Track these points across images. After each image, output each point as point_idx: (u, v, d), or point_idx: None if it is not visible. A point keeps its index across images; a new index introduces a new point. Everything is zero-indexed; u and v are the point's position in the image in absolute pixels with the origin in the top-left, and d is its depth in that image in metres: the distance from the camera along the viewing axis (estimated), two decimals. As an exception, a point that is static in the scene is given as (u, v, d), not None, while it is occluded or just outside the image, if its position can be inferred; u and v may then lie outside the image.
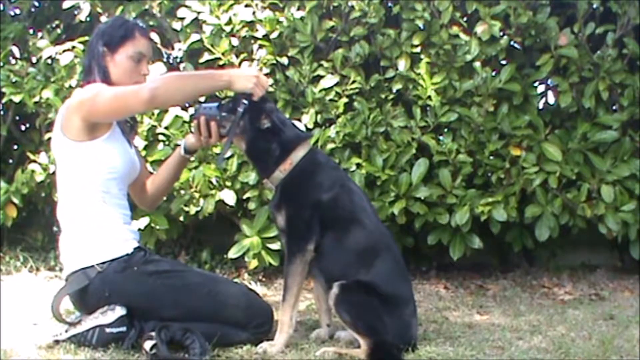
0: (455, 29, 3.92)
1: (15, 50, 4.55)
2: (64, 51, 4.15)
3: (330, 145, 3.87)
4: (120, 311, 2.68)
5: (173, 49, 4.27)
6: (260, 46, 4.03)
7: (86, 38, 3.49)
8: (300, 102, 4.00)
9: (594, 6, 3.99)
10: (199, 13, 4.04)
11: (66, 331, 2.72)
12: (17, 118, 4.92)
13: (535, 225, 3.95)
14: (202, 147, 3.10)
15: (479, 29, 3.87)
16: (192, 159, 3.40)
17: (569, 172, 3.88)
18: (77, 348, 2.65)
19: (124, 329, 2.67)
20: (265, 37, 4.02)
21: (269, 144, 2.74)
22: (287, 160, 2.73)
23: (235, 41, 4.02)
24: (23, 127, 5.04)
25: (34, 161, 4.31)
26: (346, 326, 2.63)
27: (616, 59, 3.90)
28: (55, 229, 4.45)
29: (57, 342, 2.71)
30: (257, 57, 4.01)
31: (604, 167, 3.90)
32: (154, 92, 2.60)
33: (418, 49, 3.95)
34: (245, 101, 2.69)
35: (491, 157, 3.96)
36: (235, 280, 4.03)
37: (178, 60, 4.39)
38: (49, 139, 3.04)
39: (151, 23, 4.21)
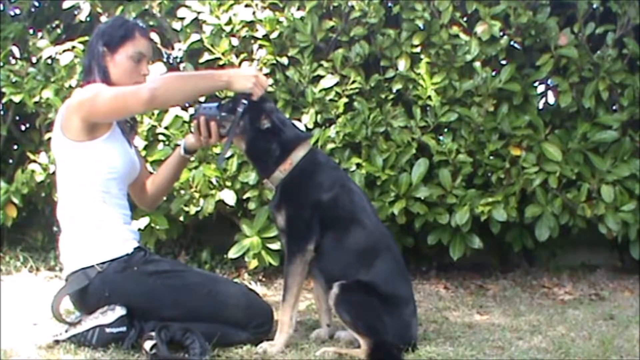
0: (455, 29, 3.92)
1: (15, 50, 4.55)
2: (64, 51, 4.15)
3: (330, 145, 3.87)
4: (120, 311, 2.68)
5: (173, 49, 4.27)
6: (260, 46, 4.03)
7: (86, 38, 3.49)
8: (300, 102, 4.00)
9: (594, 6, 3.99)
10: (199, 13, 4.04)
11: (66, 331, 2.72)
12: (17, 118, 4.92)
13: (535, 225, 3.95)
14: (202, 147, 3.10)
15: (479, 29, 3.87)
16: (192, 159, 3.40)
17: (569, 172, 3.88)
18: (77, 348, 2.65)
19: (124, 329, 2.67)
20: (265, 37, 4.02)
21: (269, 144, 2.74)
22: (287, 161, 2.73)
23: (235, 41, 4.02)
24: (23, 127, 5.04)
25: (34, 161, 4.31)
26: (346, 326, 2.63)
27: (616, 59, 3.90)
28: (55, 229, 4.45)
29: (57, 342, 2.71)
30: (257, 57, 4.01)
31: (604, 167, 3.90)
32: (153, 92, 2.60)
33: (418, 49, 3.95)
34: (244, 101, 2.69)
35: (491, 157, 3.96)
36: (235, 280, 4.03)
37: (178, 60, 4.39)
38: (49, 139, 3.04)
39: (151, 23, 4.21)
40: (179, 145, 3.04)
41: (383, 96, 3.99)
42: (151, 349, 2.54)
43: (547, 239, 3.97)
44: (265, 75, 3.75)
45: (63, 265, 2.86)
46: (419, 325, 2.85)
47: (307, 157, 2.76)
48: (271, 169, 2.75)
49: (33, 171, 4.30)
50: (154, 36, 4.01)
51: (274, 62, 3.99)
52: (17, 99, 4.26)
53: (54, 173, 3.62)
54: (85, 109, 2.71)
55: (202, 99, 3.38)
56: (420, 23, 3.94)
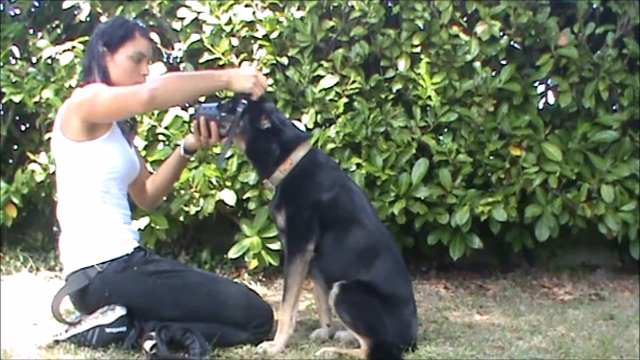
0: (455, 29, 3.92)
1: (15, 50, 4.55)
2: (64, 51, 4.15)
3: (330, 145, 3.87)
4: (120, 311, 2.68)
5: (173, 49, 4.27)
6: (260, 46, 4.03)
7: (86, 38, 3.49)
8: (300, 102, 4.00)
9: (594, 6, 3.99)
10: (199, 13, 4.04)
11: (66, 331, 2.72)
12: (17, 118, 4.92)
13: (535, 225, 3.95)
14: (202, 147, 3.10)
15: (479, 29, 3.87)
16: (192, 159, 3.39)
17: (569, 172, 3.88)
18: (77, 348, 2.65)
19: (124, 329, 2.67)
20: (265, 37, 4.02)
21: (269, 144, 2.74)
22: (287, 161, 2.73)
23: (235, 41, 4.02)
24: (23, 127, 5.04)
25: (34, 161, 4.31)
26: (346, 326, 2.63)
27: (616, 59, 3.90)
28: (55, 229, 4.45)
29: (57, 342, 2.71)
30: (257, 57, 4.01)
31: (604, 167, 3.90)
32: (153, 92, 2.60)
33: (418, 49, 3.95)
34: (244, 101, 2.69)
35: (491, 157, 3.96)
36: (235, 280, 4.03)
37: (178, 60, 4.39)
38: (49, 139, 3.04)
39: (151, 23, 4.21)
40: (179, 145, 3.04)
41: (383, 96, 3.99)
42: (151, 349, 2.54)
43: (547, 239, 3.96)
44: (265, 75, 3.76)
45: (63, 265, 2.86)
46: (419, 325, 2.85)
47: (307, 157, 2.76)
48: (271, 169, 2.75)
49: (33, 171, 4.30)
50: (154, 36, 4.01)
51: (274, 62, 3.99)
52: (17, 99, 4.26)
53: (54, 173, 3.62)
54: (85, 109, 2.71)
55: (202, 99, 3.38)
56: (420, 23, 3.94)
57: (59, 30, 4.69)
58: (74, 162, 2.77)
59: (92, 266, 2.73)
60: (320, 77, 3.96)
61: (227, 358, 2.60)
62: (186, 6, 4.09)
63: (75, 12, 4.47)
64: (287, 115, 3.80)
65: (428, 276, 4.27)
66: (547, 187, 3.90)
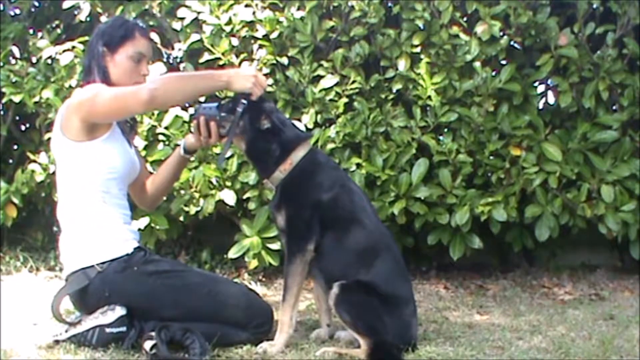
0: (455, 29, 3.92)
1: (15, 50, 4.55)
2: (64, 51, 4.15)
3: (330, 145, 3.87)
4: (120, 311, 2.68)
5: (173, 49, 4.27)
6: (260, 46, 4.03)
7: (86, 38, 3.49)
8: (300, 102, 4.00)
9: (594, 6, 3.99)
10: (199, 13, 4.04)
11: (66, 331, 2.72)
12: (17, 118, 4.92)
13: (535, 225, 3.95)
14: (202, 147, 3.10)
15: (479, 29, 3.87)
16: (192, 159, 3.40)
17: (569, 172, 3.88)
18: (77, 348, 2.65)
19: (124, 329, 2.67)
20: (265, 37, 4.02)
21: (269, 144, 2.74)
22: (287, 161, 2.73)
23: (235, 41, 4.02)
24: (23, 127, 5.04)
25: (34, 161, 4.31)
26: (346, 326, 2.63)
27: (616, 59, 3.90)
28: (55, 229, 4.45)
29: (57, 342, 2.71)
30: (257, 57, 4.01)
31: (604, 167, 3.90)
32: (153, 92, 2.60)
33: (418, 49, 3.95)
34: (244, 101, 2.69)
35: (491, 157, 3.96)
36: (235, 280, 4.03)
37: (178, 60, 4.39)
38: (49, 139, 3.04)
39: (151, 23, 4.21)
40: (179, 145, 3.04)
41: (383, 96, 3.99)
42: (151, 349, 2.54)
43: (547, 239, 3.96)
44: (265, 75, 3.76)
45: (63, 265, 2.86)
46: (419, 325, 2.85)
47: (307, 157, 2.76)
48: (271, 169, 2.75)
49: (33, 171, 4.30)
50: (154, 36, 4.01)
51: (274, 62, 3.99)
52: (17, 99, 4.26)
53: (54, 173, 3.62)
54: (84, 109, 2.71)
55: (202, 99, 3.38)
56: (420, 23, 3.94)
57: (59, 30, 4.69)
58: (74, 162, 2.77)
59: (92, 266, 2.73)
60: (320, 77, 3.96)
61: (227, 358, 2.60)
62: (186, 6, 4.09)
63: (75, 12, 4.47)
64: (287, 115, 3.80)
65: (428, 276, 4.27)
66: (547, 187, 3.90)
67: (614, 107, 4.08)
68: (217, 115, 2.74)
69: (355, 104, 3.92)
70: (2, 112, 4.77)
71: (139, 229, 3.54)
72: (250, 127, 2.72)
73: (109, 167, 2.79)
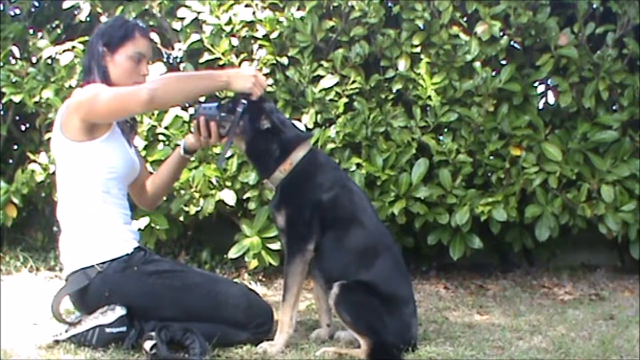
0: (455, 29, 3.92)
1: (15, 50, 4.55)
2: (64, 51, 4.15)
3: (330, 145, 3.87)
4: (120, 311, 2.68)
5: (173, 49, 4.27)
6: (260, 46, 4.03)
7: (86, 38, 3.48)
8: (300, 102, 4.00)
9: (594, 6, 3.99)
10: (199, 13, 4.04)
11: (66, 331, 2.72)
12: (17, 118, 4.92)
13: (535, 225, 3.95)
14: (202, 147, 3.10)
15: (479, 29, 3.87)
16: (192, 159, 3.40)
17: (569, 172, 3.88)
18: (77, 348, 2.65)
19: (124, 329, 2.67)
20: (265, 37, 4.02)
21: (269, 144, 2.73)
22: (287, 161, 2.73)
23: (235, 41, 4.02)
24: (23, 127, 5.04)
25: (34, 161, 4.31)
26: (346, 326, 2.63)
27: (616, 59, 3.90)
28: (55, 229, 4.45)
29: (57, 342, 2.71)
30: (257, 57, 4.01)
31: (604, 167, 3.90)
32: (153, 93, 2.60)
33: (418, 49, 3.95)
34: (244, 101, 2.69)
35: (491, 157, 3.96)
36: (235, 280, 4.03)
37: (178, 60, 4.39)
38: (49, 139, 3.04)
39: (151, 23, 4.21)
40: (179, 145, 3.04)
41: (383, 96, 3.99)
42: (151, 349, 2.54)
43: (547, 239, 3.96)
44: (265, 75, 3.76)
45: (63, 265, 2.86)
46: (419, 325, 2.85)
47: (307, 158, 2.76)
48: (271, 169, 2.75)
49: (33, 171, 4.30)
50: (154, 36, 4.01)
51: (274, 62, 3.99)
52: (17, 99, 4.26)
53: (54, 173, 3.62)
54: (84, 109, 2.71)
55: (202, 99, 3.38)
56: (420, 23, 3.94)
57: (59, 30, 4.69)
58: (73, 162, 2.77)
59: (92, 266, 2.73)
60: (320, 77, 3.96)
61: (227, 358, 2.60)
62: (186, 6, 4.09)
63: (75, 12, 4.47)
64: (287, 115, 3.81)
65: (428, 276, 4.27)
66: (547, 187, 3.90)
67: (614, 107, 4.08)
68: (217, 116, 2.74)
69: (355, 104, 3.92)
70: (2, 112, 4.77)
71: (139, 229, 3.54)
72: (250, 127, 2.72)
73: (108, 167, 2.79)
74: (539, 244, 4.12)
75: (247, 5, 4.03)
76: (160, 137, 4.01)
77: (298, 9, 4.02)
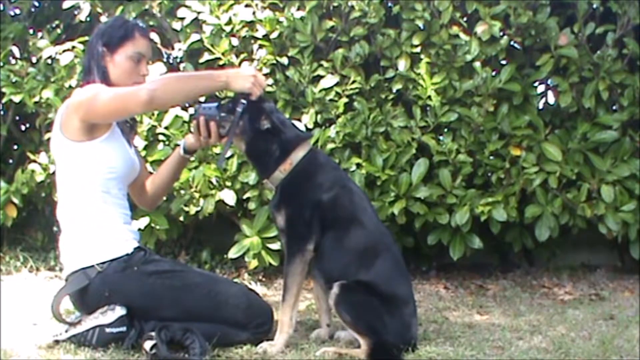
0: (455, 29, 3.92)
1: (15, 50, 4.55)
2: (64, 51, 4.15)
3: (330, 145, 3.87)
4: (120, 311, 2.68)
5: (173, 49, 4.27)
6: (260, 46, 4.03)
7: (86, 38, 3.48)
8: (300, 102, 4.00)
9: (594, 6, 3.99)
10: (199, 13, 4.04)
11: (66, 331, 2.72)
12: (17, 118, 4.92)
13: (535, 225, 3.95)
14: (202, 148, 3.10)
15: (479, 29, 3.87)
16: (192, 159, 3.40)
17: (569, 172, 3.88)
18: (77, 348, 2.65)
19: (124, 329, 2.67)
20: (265, 37, 4.02)
21: (269, 144, 2.73)
22: (287, 161, 2.73)
23: (235, 41, 4.02)
24: (23, 127, 5.04)
25: (34, 161, 4.31)
26: (346, 326, 2.63)
27: (616, 59, 3.91)
28: (55, 229, 4.45)
29: (57, 342, 2.71)
30: (257, 57, 4.01)
31: (604, 167, 3.91)
32: (152, 93, 2.59)
33: (418, 49, 3.95)
34: (244, 101, 2.69)
35: (491, 157, 3.96)
36: (235, 280, 4.03)
37: (178, 60, 4.39)
38: (49, 139, 3.04)
39: (151, 23, 4.21)
40: (179, 145, 3.04)
41: (383, 96, 3.99)
42: (151, 349, 2.54)
43: (547, 239, 3.97)
44: (265, 75, 3.77)
45: (63, 265, 2.86)
46: (419, 325, 2.85)
47: (307, 158, 2.76)
48: (271, 169, 2.75)
49: (33, 171, 4.30)
50: (154, 36, 4.01)
51: (274, 62, 3.99)
52: (17, 99, 4.26)
53: (54, 173, 3.62)
54: (84, 109, 2.71)
55: (201, 99, 3.38)
56: (420, 23, 3.94)
57: (59, 30, 4.69)
58: (73, 162, 2.77)
59: (92, 266, 2.73)
60: (320, 77, 3.97)
61: (227, 358, 2.60)
62: (186, 6, 4.09)
63: (75, 12, 4.47)
64: (287, 115, 3.81)
65: (428, 276, 4.27)
66: (547, 187, 3.90)
67: (614, 107, 4.08)
68: (217, 116, 2.74)
69: (355, 104, 3.92)
70: (2, 112, 4.77)
71: (139, 229, 3.54)
72: (250, 127, 2.72)
73: (108, 167, 2.79)
74: (539, 244, 4.12)
75: (247, 5, 4.03)
76: (160, 137, 4.01)
77: (298, 9, 4.02)
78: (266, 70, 3.97)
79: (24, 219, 4.73)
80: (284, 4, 4.06)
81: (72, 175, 2.79)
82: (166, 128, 3.99)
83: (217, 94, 3.56)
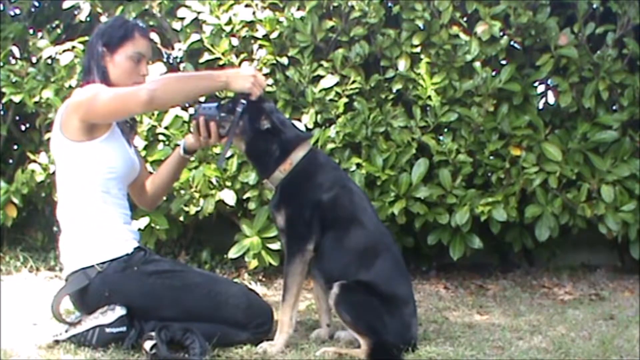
0: (455, 29, 3.92)
1: (15, 50, 4.55)
2: (64, 51, 4.15)
3: (330, 145, 3.87)
4: (120, 311, 2.68)
5: (173, 49, 4.27)
6: (260, 46, 4.03)
7: (86, 38, 3.48)
8: (300, 102, 4.00)
9: (594, 6, 3.99)
10: (199, 13, 4.04)
11: (66, 331, 2.72)
12: (17, 118, 4.92)
13: (535, 225, 3.95)
14: (202, 148, 3.10)
15: (479, 29, 3.88)
16: (192, 159, 3.40)
17: (569, 172, 3.88)
18: (77, 348, 2.65)
19: (124, 329, 2.67)
20: (265, 37, 4.02)
21: (269, 144, 2.73)
22: (287, 161, 2.73)
23: (235, 41, 4.02)
24: (23, 127, 5.04)
25: (34, 161, 4.31)
26: (346, 326, 2.63)
27: (616, 59, 3.91)
28: (55, 229, 4.45)
29: (57, 342, 2.71)
30: (257, 57, 4.01)
31: (604, 167, 3.91)
32: (152, 93, 2.59)
33: (418, 49, 3.95)
34: (243, 101, 2.69)
35: (491, 157, 3.96)
36: (235, 280, 4.03)
37: (178, 60, 4.39)
38: (49, 139, 3.04)
39: (151, 23, 4.21)
40: (178, 145, 3.04)
41: (383, 96, 3.99)
42: (151, 349, 2.54)
43: (547, 239, 3.97)
44: (265, 75, 3.77)
45: (63, 265, 2.86)
46: (419, 325, 2.85)
47: (307, 158, 2.76)
48: (271, 169, 2.75)
49: (33, 171, 4.30)
50: (154, 36, 4.01)
51: (274, 62, 4.00)
52: (17, 99, 4.26)
53: (54, 173, 3.61)
54: (84, 109, 2.71)
55: (201, 99, 3.38)
56: (420, 23, 3.94)
57: (59, 30, 4.69)
58: (73, 162, 2.77)
59: (92, 266, 2.73)
60: (320, 77, 3.97)
61: (227, 358, 2.60)
62: (186, 6, 4.09)
63: (75, 12, 4.47)
64: (287, 115, 3.81)
65: (428, 276, 4.27)
66: (547, 187, 3.90)
67: (614, 107, 4.08)
68: (217, 116, 2.74)
69: (355, 104, 3.92)
70: (2, 112, 4.77)
71: (139, 229, 3.54)
72: (250, 127, 2.72)
73: (108, 167, 2.79)
74: (539, 244, 4.13)
75: (247, 5, 4.03)
76: (160, 137, 4.01)
77: (298, 9, 4.02)
78: (266, 70, 3.97)
79: (24, 219, 4.73)
80: (284, 4, 4.06)
81: (72, 175, 2.79)
82: (166, 128, 3.99)
83: (217, 94, 3.56)
